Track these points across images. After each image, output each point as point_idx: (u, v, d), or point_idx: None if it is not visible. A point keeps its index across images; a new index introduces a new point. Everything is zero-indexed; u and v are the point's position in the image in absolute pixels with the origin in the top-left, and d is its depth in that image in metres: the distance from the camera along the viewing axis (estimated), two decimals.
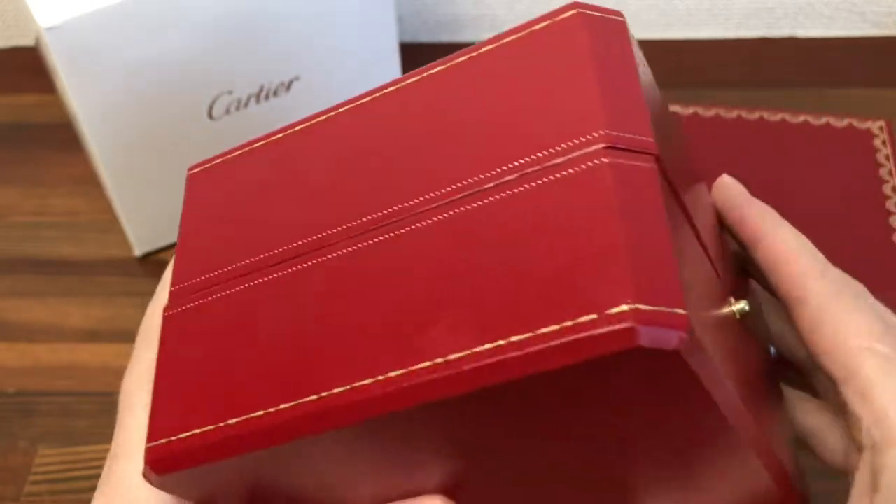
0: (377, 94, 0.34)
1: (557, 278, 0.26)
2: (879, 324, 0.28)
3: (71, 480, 0.78)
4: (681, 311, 0.24)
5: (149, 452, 0.31)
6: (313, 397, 0.28)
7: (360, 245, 0.30)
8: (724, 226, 0.35)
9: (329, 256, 0.31)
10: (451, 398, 0.26)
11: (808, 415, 0.35)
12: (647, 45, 0.47)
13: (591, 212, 0.26)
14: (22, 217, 0.92)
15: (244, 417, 0.29)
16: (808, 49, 0.85)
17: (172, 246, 0.77)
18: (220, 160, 0.36)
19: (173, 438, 0.31)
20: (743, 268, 0.40)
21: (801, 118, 0.61)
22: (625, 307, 0.24)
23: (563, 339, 0.25)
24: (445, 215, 0.29)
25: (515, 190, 0.29)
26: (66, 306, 0.88)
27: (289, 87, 0.69)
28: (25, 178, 0.87)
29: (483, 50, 0.33)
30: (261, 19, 0.64)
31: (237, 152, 0.36)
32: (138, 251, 0.87)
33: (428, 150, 0.31)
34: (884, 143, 0.58)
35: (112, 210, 0.78)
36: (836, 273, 0.30)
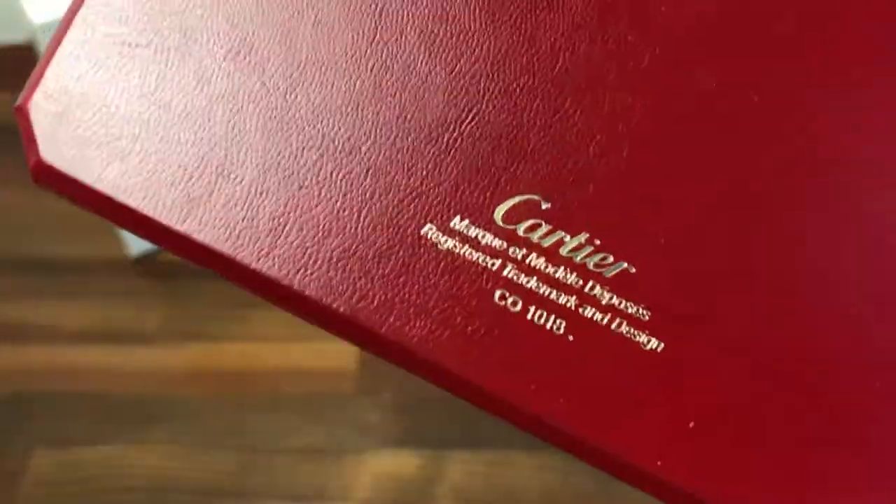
0: None
1: None
2: None
3: (67, 483, 0.72)
4: None
5: None
6: None
7: None
8: None
9: None
10: None
11: None
12: None
13: None
14: (16, 218, 0.87)
15: None
16: None
17: None
18: None
19: None
20: None
21: None
22: None
23: None
24: None
25: None
26: (61, 307, 0.82)
27: None
28: (20, 178, 0.83)
29: None
30: None
31: None
32: (133, 252, 0.83)
33: None
34: None
35: None
36: None
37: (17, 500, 0.68)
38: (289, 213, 0.21)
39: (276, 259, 0.21)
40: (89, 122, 0.22)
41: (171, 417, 0.80)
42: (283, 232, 0.21)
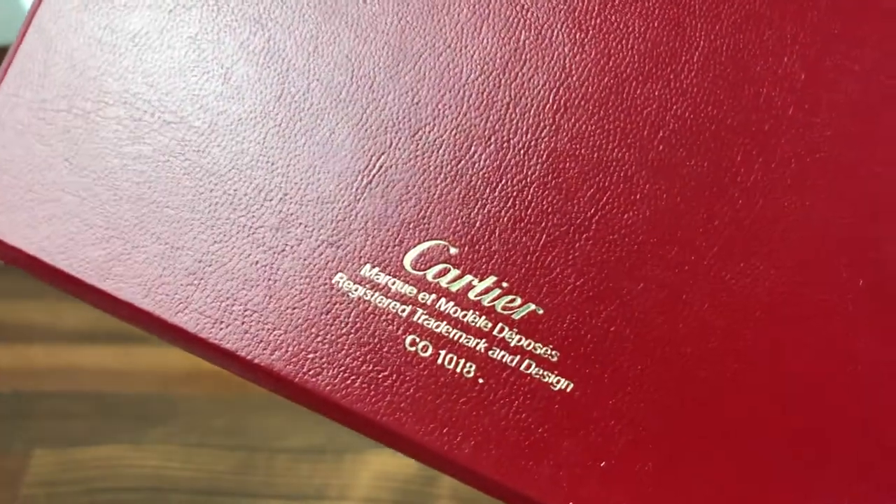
0: None
1: None
2: None
3: (66, 483, 0.73)
4: None
5: None
6: None
7: None
8: None
9: None
10: None
11: None
12: None
13: None
14: None
15: None
16: None
17: None
18: None
19: None
20: None
21: None
22: None
23: None
24: None
25: None
26: (61, 307, 0.83)
27: None
28: None
29: None
30: None
31: None
32: None
33: None
34: None
35: None
36: None
37: (17, 500, 0.69)
38: (204, 268, 0.23)
39: (193, 313, 0.23)
40: (15, 187, 0.23)
41: (171, 417, 0.80)
42: (199, 286, 0.23)
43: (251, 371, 0.23)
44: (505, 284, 0.23)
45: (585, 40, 0.23)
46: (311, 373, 0.23)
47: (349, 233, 0.23)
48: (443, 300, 0.23)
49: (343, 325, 0.23)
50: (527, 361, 0.23)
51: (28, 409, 0.75)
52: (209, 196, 0.23)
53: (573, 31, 0.23)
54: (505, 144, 0.23)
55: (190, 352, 0.23)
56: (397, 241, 0.23)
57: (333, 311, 0.23)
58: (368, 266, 0.23)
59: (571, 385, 0.23)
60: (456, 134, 0.23)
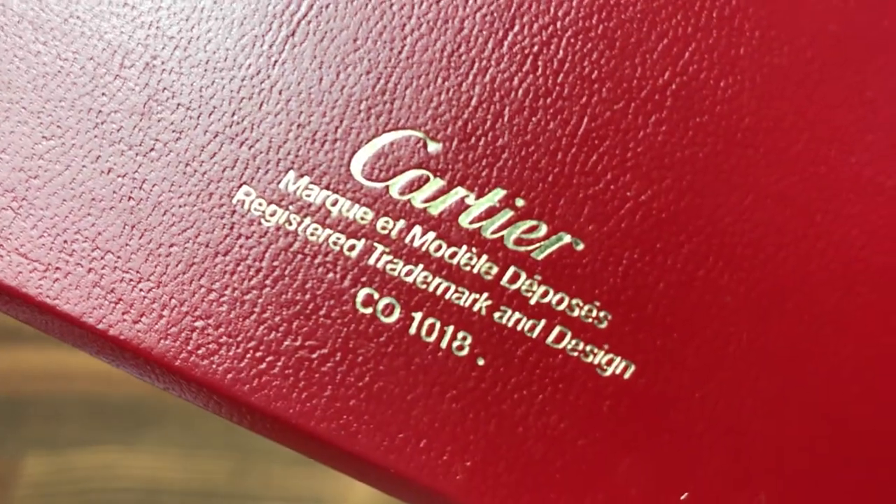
0: None
1: None
2: None
3: (60, 486, 0.73)
4: None
5: None
6: None
7: None
8: None
9: None
10: None
11: None
12: None
13: None
14: None
15: None
16: None
17: None
18: None
19: None
20: None
21: None
22: None
23: None
24: None
25: None
26: None
27: None
28: None
29: None
30: None
31: None
32: None
33: None
34: None
35: None
36: None
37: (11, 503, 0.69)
38: (28, 182, 0.14)
39: (10, 254, 0.14)
40: None
41: (166, 420, 0.81)
42: (19, 211, 0.14)
43: (107, 347, 0.15)
44: (520, 202, 0.14)
45: None
46: (200, 352, 0.14)
47: (260, 119, 0.15)
48: (417, 230, 0.15)
49: (252, 272, 0.14)
50: (557, 329, 0.14)
51: (20, 413, 0.74)
52: (31, 61, 0.15)
53: None
54: None
55: (13, 316, 0.15)
56: (340, 131, 0.15)
57: (236, 249, 0.14)
58: (292, 174, 0.14)
59: (633, 367, 0.14)
60: None
